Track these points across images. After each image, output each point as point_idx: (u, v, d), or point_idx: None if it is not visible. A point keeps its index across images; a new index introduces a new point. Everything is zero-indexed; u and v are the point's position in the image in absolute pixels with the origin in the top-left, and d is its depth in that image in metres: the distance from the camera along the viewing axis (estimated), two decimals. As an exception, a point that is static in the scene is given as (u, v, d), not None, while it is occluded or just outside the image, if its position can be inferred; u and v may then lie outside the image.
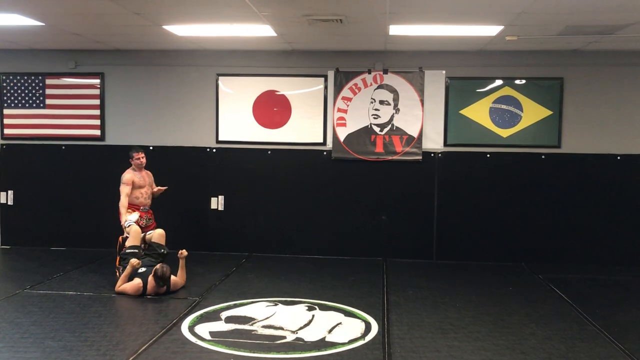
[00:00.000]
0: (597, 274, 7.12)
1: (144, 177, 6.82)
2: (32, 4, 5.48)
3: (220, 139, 7.99)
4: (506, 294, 6.22)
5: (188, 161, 7.57)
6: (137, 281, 5.86)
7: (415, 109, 7.67)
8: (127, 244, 6.32)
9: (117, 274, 6.16)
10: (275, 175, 7.94)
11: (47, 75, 8.11)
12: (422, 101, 7.66)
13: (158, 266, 5.85)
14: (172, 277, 5.99)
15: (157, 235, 6.55)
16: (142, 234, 6.54)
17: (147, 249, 6.47)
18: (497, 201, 7.70)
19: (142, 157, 6.76)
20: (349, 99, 7.75)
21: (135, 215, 6.54)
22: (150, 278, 5.82)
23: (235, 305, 5.63)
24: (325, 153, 7.87)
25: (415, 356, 4.41)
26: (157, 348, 4.47)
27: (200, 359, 4.30)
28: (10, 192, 8.26)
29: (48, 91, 8.12)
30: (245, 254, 7.92)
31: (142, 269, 5.97)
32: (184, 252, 6.23)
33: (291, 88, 7.86)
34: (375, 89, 7.73)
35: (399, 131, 7.70)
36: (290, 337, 4.77)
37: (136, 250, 6.26)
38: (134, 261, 5.96)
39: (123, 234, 6.50)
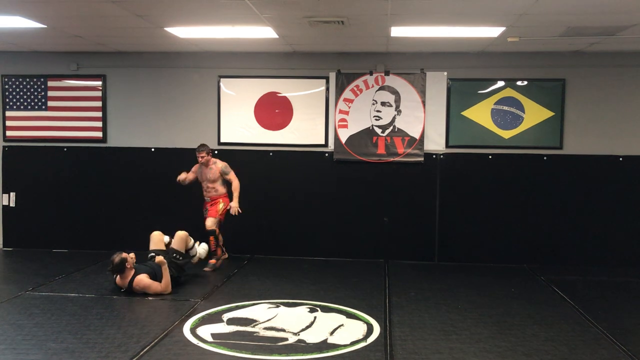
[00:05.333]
0: (600, 276, 7.10)
1: (203, 173, 7.25)
2: (34, 6, 5.50)
3: (222, 140, 7.99)
4: (508, 295, 6.21)
5: (190, 163, 7.55)
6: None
7: (417, 110, 7.66)
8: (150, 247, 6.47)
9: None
10: (276, 176, 7.94)
11: (49, 77, 8.12)
12: (423, 102, 7.65)
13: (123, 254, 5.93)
14: (145, 280, 5.87)
15: (178, 239, 6.53)
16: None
17: (166, 252, 6.42)
18: (499, 202, 7.69)
19: (201, 157, 7.15)
20: (351, 101, 7.75)
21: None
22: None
23: (237, 307, 5.62)
24: (326, 155, 7.86)
25: (417, 358, 4.40)
26: (159, 350, 4.47)
27: (202, 360, 4.31)
28: (12, 194, 8.26)
29: (50, 93, 8.13)
30: (247, 256, 7.92)
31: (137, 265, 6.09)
32: (159, 258, 6.07)
33: (293, 90, 7.86)
34: (377, 91, 7.73)
35: (400, 132, 7.70)
36: (292, 339, 4.76)
37: (153, 254, 6.29)
38: (159, 258, 6.06)
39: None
